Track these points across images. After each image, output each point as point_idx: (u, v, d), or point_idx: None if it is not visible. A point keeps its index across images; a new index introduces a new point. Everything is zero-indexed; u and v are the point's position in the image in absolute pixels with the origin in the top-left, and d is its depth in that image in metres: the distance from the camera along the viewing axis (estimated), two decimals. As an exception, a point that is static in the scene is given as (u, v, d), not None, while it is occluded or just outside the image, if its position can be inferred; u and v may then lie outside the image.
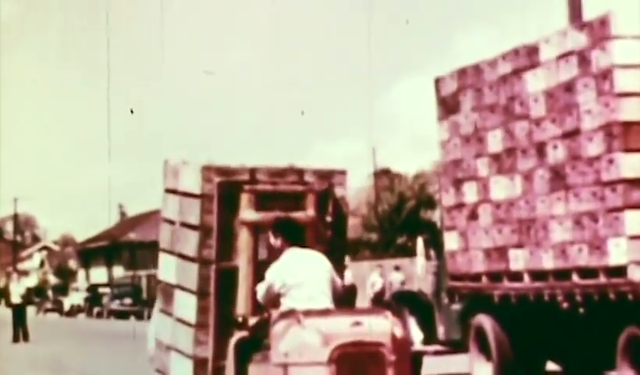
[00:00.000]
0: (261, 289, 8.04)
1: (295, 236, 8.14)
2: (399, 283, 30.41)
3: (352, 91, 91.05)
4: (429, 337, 14.47)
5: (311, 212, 8.58)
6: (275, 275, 7.92)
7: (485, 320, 12.63)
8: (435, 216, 17.04)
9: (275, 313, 7.86)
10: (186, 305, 8.71)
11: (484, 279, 12.50)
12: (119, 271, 68.37)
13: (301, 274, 7.90)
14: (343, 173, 8.97)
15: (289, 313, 7.67)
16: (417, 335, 14.60)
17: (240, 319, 8.38)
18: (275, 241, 8.16)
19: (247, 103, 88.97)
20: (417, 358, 14.78)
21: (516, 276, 11.91)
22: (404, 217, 55.18)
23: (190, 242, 8.67)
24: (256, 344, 7.97)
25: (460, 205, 12.89)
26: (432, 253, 14.70)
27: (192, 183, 8.67)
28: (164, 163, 9.20)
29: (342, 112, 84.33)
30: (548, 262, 11.32)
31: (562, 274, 11.15)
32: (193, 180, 8.65)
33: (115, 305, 52.49)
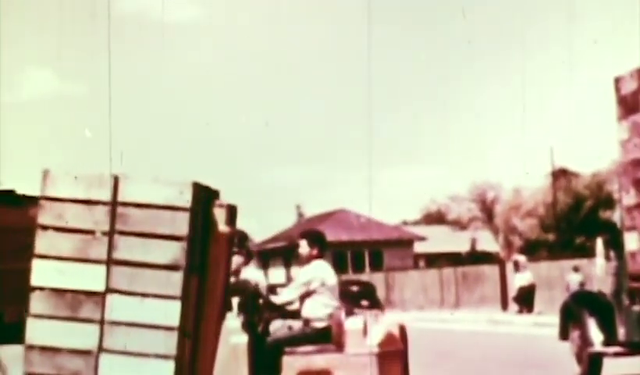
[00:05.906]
0: (293, 287, 9.61)
1: (325, 248, 9.87)
2: (577, 284, 30.03)
3: (529, 90, 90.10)
4: (609, 339, 14.34)
5: (238, 227, 9.86)
6: (313, 275, 9.55)
7: (666, 322, 12.48)
8: (615, 215, 16.80)
9: (335, 313, 9.45)
10: (152, 310, 9.20)
11: (665, 280, 12.35)
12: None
13: (332, 279, 9.61)
14: (217, 192, 10.09)
15: (342, 310, 9.42)
16: (596, 336, 14.50)
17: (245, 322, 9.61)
18: (310, 250, 9.72)
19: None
20: (596, 360, 14.69)
21: (698, 277, 11.74)
22: (582, 217, 54.35)
23: (159, 251, 9.16)
24: (260, 342, 9.47)
25: (640, 206, 12.76)
26: (612, 254, 14.56)
27: (156, 195, 9.21)
28: (43, 172, 9.68)
29: (518, 110, 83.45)
30: None
31: None
32: (159, 193, 9.21)
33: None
